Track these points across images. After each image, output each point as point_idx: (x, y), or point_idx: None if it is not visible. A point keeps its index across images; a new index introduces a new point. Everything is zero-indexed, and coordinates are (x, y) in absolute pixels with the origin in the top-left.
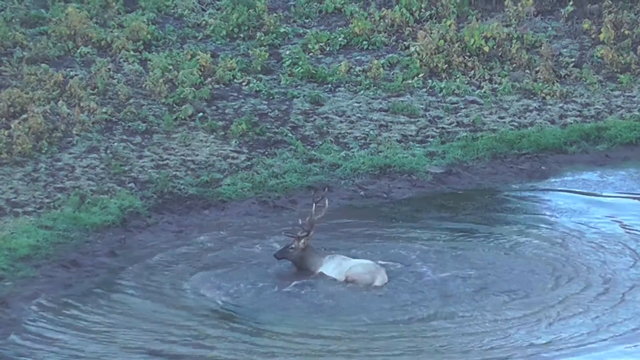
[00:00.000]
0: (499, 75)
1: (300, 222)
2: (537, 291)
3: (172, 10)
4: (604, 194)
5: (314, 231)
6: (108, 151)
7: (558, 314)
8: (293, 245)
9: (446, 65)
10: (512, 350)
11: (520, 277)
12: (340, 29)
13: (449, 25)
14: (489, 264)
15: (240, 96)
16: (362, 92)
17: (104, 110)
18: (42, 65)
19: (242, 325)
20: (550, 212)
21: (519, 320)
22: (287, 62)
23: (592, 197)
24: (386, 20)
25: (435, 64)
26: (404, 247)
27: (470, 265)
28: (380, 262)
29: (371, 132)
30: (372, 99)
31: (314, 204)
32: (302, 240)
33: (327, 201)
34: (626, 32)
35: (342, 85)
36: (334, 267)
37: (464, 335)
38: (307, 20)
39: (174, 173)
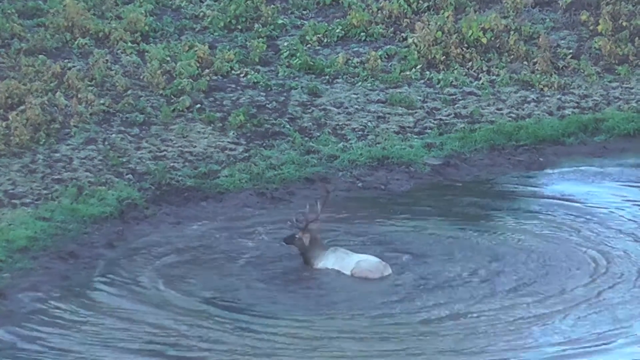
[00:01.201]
0: (496, 67)
1: (305, 211)
2: (554, 284)
3: (170, 2)
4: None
5: (315, 225)
6: (106, 142)
7: (579, 310)
8: (297, 235)
9: (444, 56)
10: (531, 349)
11: (533, 269)
12: (338, 20)
13: (447, 17)
14: (500, 255)
15: (238, 87)
16: (359, 83)
17: (101, 101)
18: (40, 56)
19: (230, 320)
20: (552, 199)
21: (537, 317)
22: (285, 54)
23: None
24: (384, 12)
25: (433, 56)
26: (408, 239)
27: (480, 257)
28: (385, 254)
29: (369, 123)
30: (370, 90)
31: (319, 199)
32: (302, 235)
33: (330, 195)
34: (624, 23)
35: (339, 76)
36: (335, 260)
37: (480, 333)
38: (304, 12)
39: (172, 164)
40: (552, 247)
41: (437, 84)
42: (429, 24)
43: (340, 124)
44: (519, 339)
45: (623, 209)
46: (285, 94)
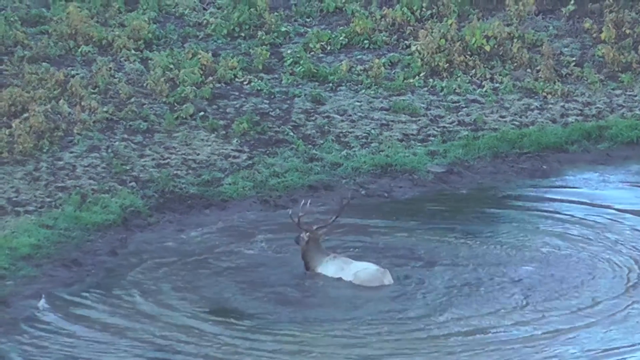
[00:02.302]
0: (500, 75)
1: (290, 212)
2: (558, 293)
3: (173, 9)
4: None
5: (305, 228)
6: (109, 150)
7: (601, 318)
8: (301, 235)
9: (447, 64)
10: None
11: (540, 278)
12: (341, 28)
13: (450, 24)
14: (506, 263)
15: (242, 95)
16: (363, 91)
17: (105, 109)
18: (43, 64)
19: (226, 330)
20: (556, 207)
21: (564, 329)
22: (289, 61)
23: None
24: (387, 19)
25: (436, 63)
26: (411, 247)
27: (485, 265)
28: (391, 261)
29: (372, 131)
30: (373, 98)
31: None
32: (304, 234)
33: (308, 203)
34: (627, 31)
35: (343, 84)
36: (335, 269)
37: (510, 347)
38: (308, 19)
39: (175, 172)
40: (556, 255)
41: (441, 91)
42: (432, 32)
43: (343, 131)
44: (535, 352)
45: (626, 216)
46: (288, 102)
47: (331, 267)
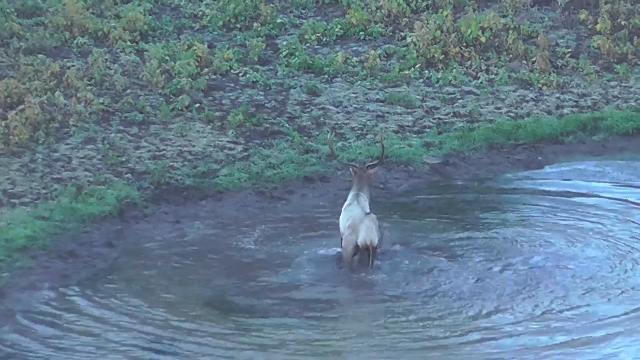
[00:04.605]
0: (495, 66)
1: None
2: (562, 291)
3: (169, 1)
4: None
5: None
6: (105, 142)
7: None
8: (351, 169)
9: (443, 55)
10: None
11: (537, 271)
12: (337, 19)
13: (446, 16)
14: (508, 255)
15: (237, 87)
16: (358, 82)
17: (100, 100)
18: (39, 55)
19: (223, 323)
20: (551, 198)
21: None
22: (284, 53)
23: None
24: (383, 11)
25: (431, 55)
26: (407, 239)
27: (483, 256)
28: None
29: (368, 122)
30: (369, 89)
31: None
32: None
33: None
34: (622, 22)
35: (338, 75)
36: (344, 213)
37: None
38: (303, 11)
39: (171, 164)
40: (554, 247)
41: (436, 83)
42: (427, 23)
43: (339, 123)
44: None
45: (623, 206)
46: (284, 93)
47: (350, 211)
